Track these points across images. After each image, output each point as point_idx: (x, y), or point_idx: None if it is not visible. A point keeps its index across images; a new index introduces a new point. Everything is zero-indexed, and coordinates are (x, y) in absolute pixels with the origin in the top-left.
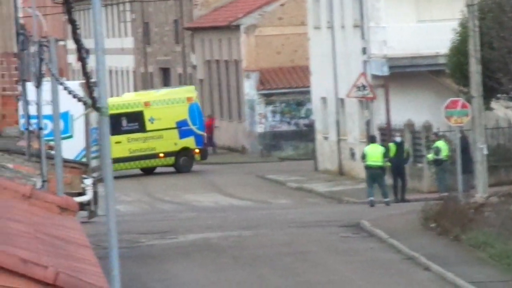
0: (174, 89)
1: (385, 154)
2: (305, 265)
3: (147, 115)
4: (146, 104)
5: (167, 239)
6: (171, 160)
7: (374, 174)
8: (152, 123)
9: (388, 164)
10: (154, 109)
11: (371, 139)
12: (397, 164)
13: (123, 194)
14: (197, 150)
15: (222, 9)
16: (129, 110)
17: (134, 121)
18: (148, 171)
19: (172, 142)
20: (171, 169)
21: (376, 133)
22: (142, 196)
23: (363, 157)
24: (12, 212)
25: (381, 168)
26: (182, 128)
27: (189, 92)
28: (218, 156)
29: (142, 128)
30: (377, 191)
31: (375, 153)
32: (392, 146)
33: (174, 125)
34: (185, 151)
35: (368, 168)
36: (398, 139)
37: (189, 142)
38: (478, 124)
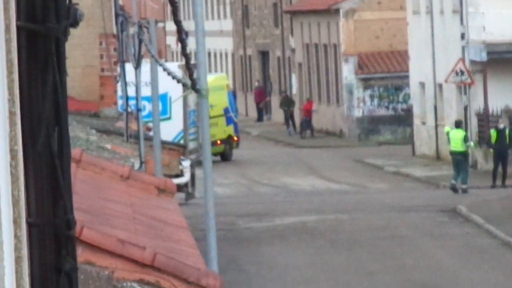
0: (215, 76)
1: (465, 139)
2: (401, 249)
3: None
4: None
5: (264, 222)
6: (222, 147)
7: (455, 160)
8: (211, 109)
9: (488, 148)
10: (210, 95)
11: (457, 124)
12: (500, 150)
13: (221, 177)
14: (235, 138)
15: None
16: None
17: None
18: None
19: (223, 129)
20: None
21: (474, 119)
22: (240, 179)
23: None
24: (110, 193)
25: (462, 154)
26: (227, 115)
27: (224, 79)
28: (316, 139)
29: None
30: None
31: (456, 139)
32: (493, 132)
33: (222, 112)
34: (229, 139)
35: (451, 153)
36: (501, 126)
37: (231, 129)
38: None
